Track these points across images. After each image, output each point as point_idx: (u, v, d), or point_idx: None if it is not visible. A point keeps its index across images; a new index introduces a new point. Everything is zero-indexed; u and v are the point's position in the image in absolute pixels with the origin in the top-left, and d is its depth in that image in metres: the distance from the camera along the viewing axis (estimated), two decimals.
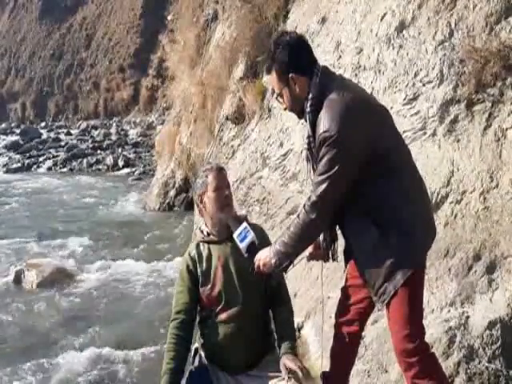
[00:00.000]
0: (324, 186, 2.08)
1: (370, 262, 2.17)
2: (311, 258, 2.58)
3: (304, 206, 2.16)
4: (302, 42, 2.26)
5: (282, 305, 2.53)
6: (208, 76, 8.63)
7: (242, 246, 2.32)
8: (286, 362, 2.31)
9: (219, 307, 2.42)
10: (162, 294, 5.92)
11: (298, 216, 2.19)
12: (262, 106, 6.34)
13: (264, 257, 2.26)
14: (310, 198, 2.14)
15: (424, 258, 2.23)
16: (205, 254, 2.50)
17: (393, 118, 2.29)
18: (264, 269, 2.27)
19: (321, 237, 2.41)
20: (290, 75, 2.19)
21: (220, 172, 2.52)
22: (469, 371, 2.74)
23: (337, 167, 2.05)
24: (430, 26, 3.89)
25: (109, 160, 19.37)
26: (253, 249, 2.31)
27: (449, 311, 2.99)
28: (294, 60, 2.18)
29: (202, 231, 2.59)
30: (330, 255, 2.45)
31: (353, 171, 2.09)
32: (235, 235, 2.34)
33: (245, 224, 2.35)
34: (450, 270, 3.12)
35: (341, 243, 2.41)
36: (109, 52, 40.49)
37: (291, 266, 2.34)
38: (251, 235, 2.31)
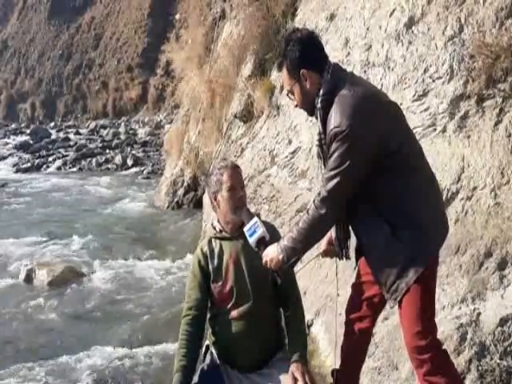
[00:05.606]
0: (334, 181, 2.07)
1: (382, 259, 2.16)
2: (325, 255, 2.57)
3: (314, 201, 2.15)
4: (313, 38, 2.25)
5: (292, 305, 2.50)
6: (216, 74, 8.65)
7: (251, 240, 2.31)
8: (296, 372, 2.27)
9: (230, 304, 2.41)
10: (171, 292, 5.93)
11: (308, 211, 2.18)
12: (270, 104, 6.34)
13: (271, 252, 2.24)
14: (319, 193, 2.13)
15: (436, 256, 2.21)
16: (217, 250, 2.49)
17: (404, 115, 2.27)
18: (271, 265, 2.25)
19: (333, 234, 2.40)
20: (301, 71, 2.18)
21: (235, 171, 2.49)
22: (480, 368, 2.73)
23: (347, 162, 2.03)
24: (439, 21, 3.87)
25: (118, 159, 19.45)
26: (262, 244, 2.30)
27: (460, 308, 2.97)
28: (305, 56, 2.17)
29: (214, 227, 2.57)
30: (344, 253, 2.44)
31: (364, 167, 2.07)
32: (245, 229, 2.32)
33: (255, 219, 2.32)
34: (461, 266, 3.10)
35: (352, 240, 2.40)
36: (117, 52, 40.65)
37: (300, 263, 2.33)
38: (261, 230, 2.28)
